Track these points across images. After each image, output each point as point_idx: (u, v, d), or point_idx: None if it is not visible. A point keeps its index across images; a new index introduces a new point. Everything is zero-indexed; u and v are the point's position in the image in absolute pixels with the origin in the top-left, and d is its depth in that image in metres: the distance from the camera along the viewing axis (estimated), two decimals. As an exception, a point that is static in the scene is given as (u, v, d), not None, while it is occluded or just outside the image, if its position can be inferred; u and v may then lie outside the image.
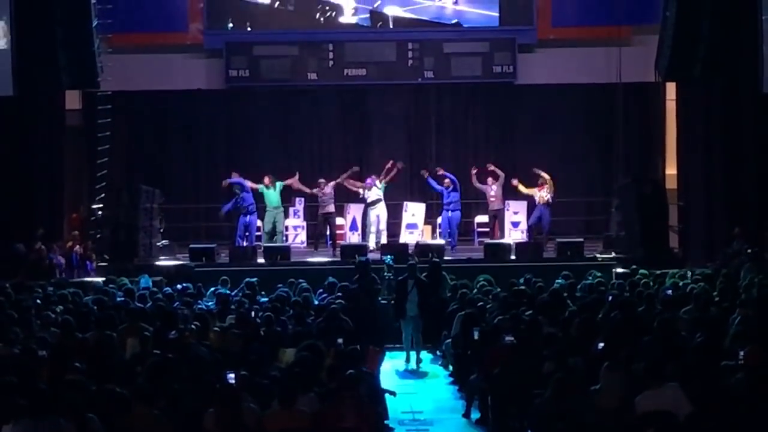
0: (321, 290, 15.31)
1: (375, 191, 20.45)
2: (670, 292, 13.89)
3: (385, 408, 10.73)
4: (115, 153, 21.61)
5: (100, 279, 17.25)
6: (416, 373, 14.50)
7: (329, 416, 8.35)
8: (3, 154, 19.70)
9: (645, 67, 20.74)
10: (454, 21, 22.40)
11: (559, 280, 15.61)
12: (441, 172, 20.61)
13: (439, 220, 21.09)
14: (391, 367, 14.54)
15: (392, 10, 22.26)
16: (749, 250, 17.60)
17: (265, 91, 22.74)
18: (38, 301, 13.75)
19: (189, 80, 22.31)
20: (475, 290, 15.23)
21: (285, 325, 12.20)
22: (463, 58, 22.14)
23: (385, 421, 10.58)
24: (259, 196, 20.43)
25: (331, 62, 22.11)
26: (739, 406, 7.91)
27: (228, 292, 15.01)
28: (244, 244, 20.05)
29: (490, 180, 20.82)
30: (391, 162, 20.60)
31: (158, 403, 8.29)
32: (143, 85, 21.92)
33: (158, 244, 20.00)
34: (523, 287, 14.66)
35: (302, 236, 21.83)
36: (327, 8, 22.25)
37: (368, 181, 20.61)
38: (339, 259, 18.97)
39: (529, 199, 20.98)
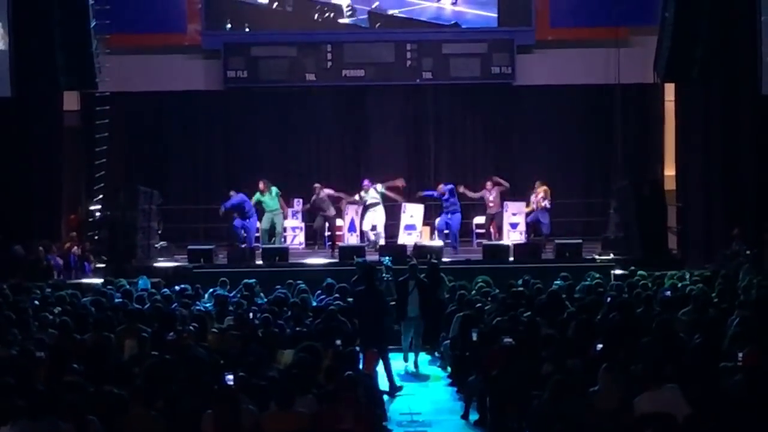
0: (319, 291, 15.30)
1: (372, 194, 20.48)
2: (668, 293, 13.88)
3: (383, 410, 10.71)
4: (113, 154, 21.61)
5: (98, 280, 17.25)
6: (414, 375, 14.47)
7: (327, 418, 8.33)
8: (1, 155, 19.68)
9: (644, 68, 20.75)
10: (452, 22, 22.39)
11: (558, 282, 15.60)
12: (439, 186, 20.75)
13: (438, 221, 21.08)
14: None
15: (391, 11, 22.26)
16: (748, 252, 17.60)
17: (264, 91, 22.72)
18: (36, 302, 13.74)
19: (187, 81, 22.31)
20: (474, 291, 15.22)
21: (283, 326, 12.18)
22: (462, 59, 22.14)
23: (384, 423, 10.58)
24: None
25: (329, 63, 22.10)
26: (737, 408, 7.91)
27: (226, 293, 14.99)
28: (243, 234, 20.13)
29: (489, 184, 20.86)
30: (401, 181, 20.63)
31: (156, 404, 8.29)
32: (141, 86, 21.91)
33: (156, 245, 19.99)
34: (521, 288, 14.65)
35: (301, 237, 21.82)
36: (325, 9, 22.24)
37: (366, 182, 20.64)
38: (337, 260, 18.96)
39: (526, 200, 21.03)
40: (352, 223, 21.47)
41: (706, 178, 20.05)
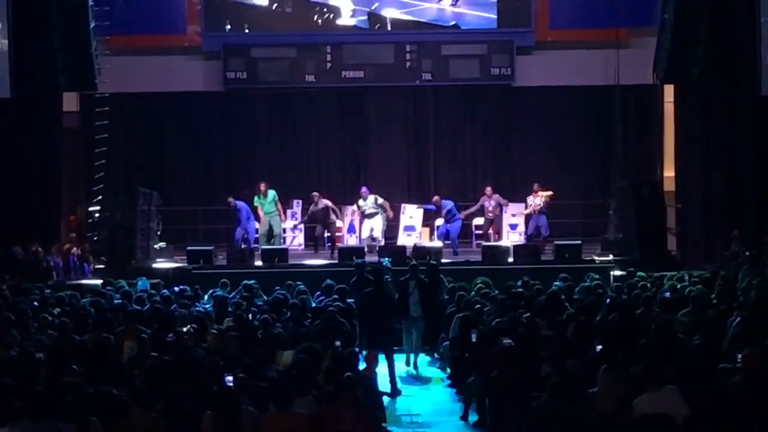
0: (318, 292, 15.29)
1: (371, 203, 20.47)
2: (668, 294, 13.88)
3: (383, 411, 10.70)
4: (112, 155, 21.59)
5: (97, 281, 17.24)
6: (414, 376, 14.47)
7: (326, 419, 8.33)
8: (0, 155, 19.68)
9: (643, 70, 20.74)
10: (452, 23, 22.40)
11: (557, 283, 15.59)
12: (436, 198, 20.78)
13: (438, 222, 21.07)
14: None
15: (390, 12, 22.26)
16: (747, 253, 17.59)
17: (263, 93, 22.74)
18: (35, 303, 13.73)
19: (187, 82, 22.31)
20: (473, 293, 15.20)
21: (282, 327, 12.17)
22: (461, 60, 22.14)
23: (383, 424, 10.56)
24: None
25: (328, 64, 22.10)
26: (737, 409, 7.90)
27: (225, 294, 14.99)
28: (243, 245, 20.09)
29: (489, 190, 20.85)
30: (390, 213, 20.67)
31: (156, 405, 8.28)
32: (141, 87, 21.91)
33: (156, 246, 19.98)
34: (520, 290, 14.65)
35: (300, 239, 21.82)
36: (325, 10, 22.25)
37: (363, 189, 20.66)
38: (337, 261, 18.96)
39: (525, 202, 21.04)
40: (351, 224, 21.48)
41: (706, 180, 20.05)
